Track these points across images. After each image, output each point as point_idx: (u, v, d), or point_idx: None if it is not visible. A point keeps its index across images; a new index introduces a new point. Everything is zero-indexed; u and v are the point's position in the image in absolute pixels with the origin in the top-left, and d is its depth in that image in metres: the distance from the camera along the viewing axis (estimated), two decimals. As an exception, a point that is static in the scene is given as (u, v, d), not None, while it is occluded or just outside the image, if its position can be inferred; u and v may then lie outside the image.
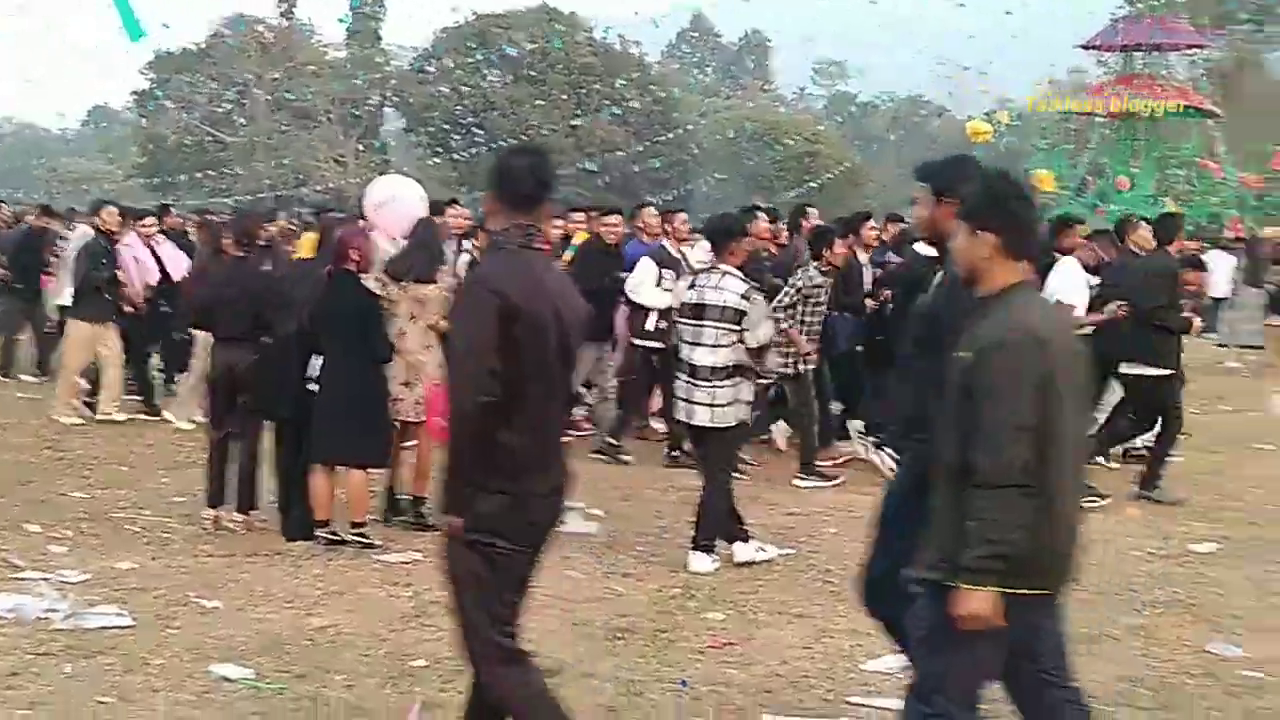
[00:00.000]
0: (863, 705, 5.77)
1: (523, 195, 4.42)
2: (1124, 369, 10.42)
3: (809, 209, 13.03)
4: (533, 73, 56.78)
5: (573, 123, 55.21)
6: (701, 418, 7.91)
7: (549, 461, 4.38)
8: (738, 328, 7.87)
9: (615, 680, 5.93)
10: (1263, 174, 31.13)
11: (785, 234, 12.83)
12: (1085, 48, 34.25)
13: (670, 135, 50.97)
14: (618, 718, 5.55)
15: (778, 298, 10.37)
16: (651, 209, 12.81)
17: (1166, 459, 10.44)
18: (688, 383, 8.00)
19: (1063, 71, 56.04)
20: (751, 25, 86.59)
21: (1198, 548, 8.83)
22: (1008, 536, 3.77)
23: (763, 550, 8.12)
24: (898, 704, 5.67)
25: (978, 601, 3.82)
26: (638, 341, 11.47)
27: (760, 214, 12.44)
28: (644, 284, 11.25)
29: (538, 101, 56.10)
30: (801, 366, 10.53)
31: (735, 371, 7.91)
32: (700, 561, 7.89)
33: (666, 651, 6.37)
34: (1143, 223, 11.49)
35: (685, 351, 8.06)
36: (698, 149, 59.79)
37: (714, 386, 7.86)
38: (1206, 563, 8.47)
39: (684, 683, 5.90)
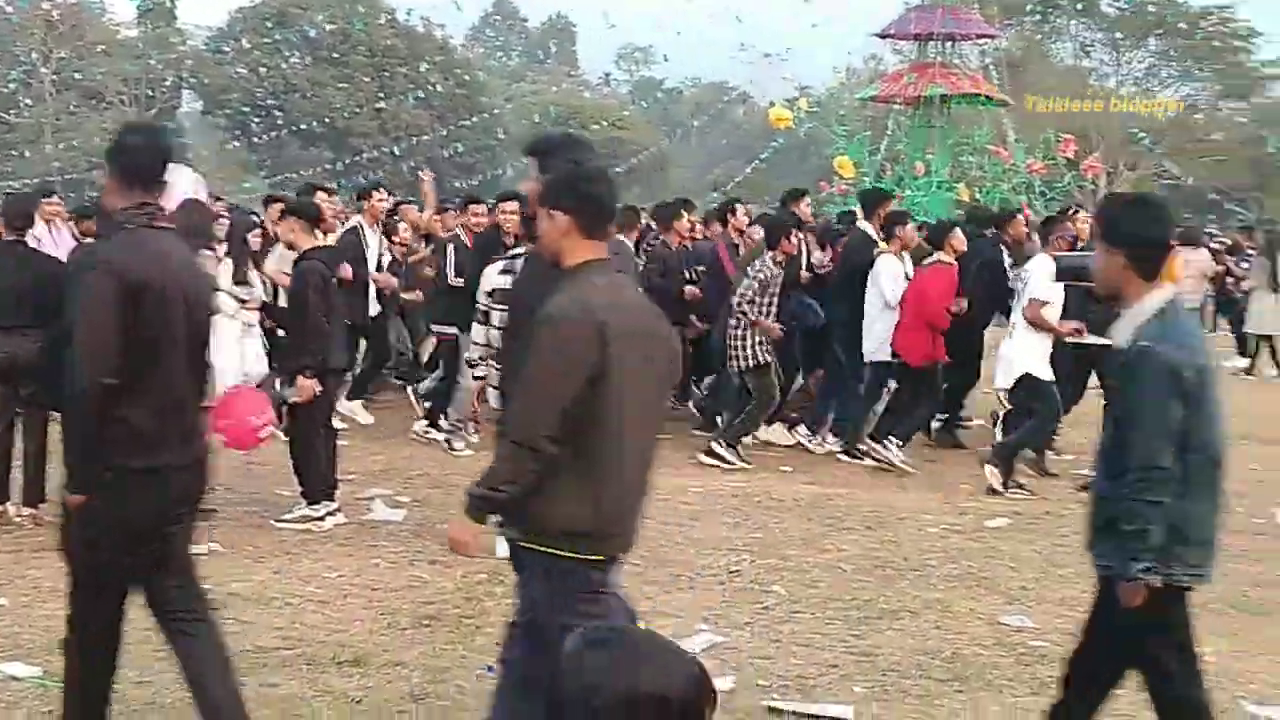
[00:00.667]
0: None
1: (141, 173, 4.45)
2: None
3: (738, 204, 13.14)
4: (334, 55, 55.80)
5: (376, 106, 54.48)
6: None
7: (185, 436, 4.48)
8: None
9: (422, 668, 5.88)
10: (1048, 161, 32.16)
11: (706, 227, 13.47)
12: (880, 36, 34.99)
13: (475, 119, 50.61)
14: (424, 705, 5.50)
15: (740, 290, 10.58)
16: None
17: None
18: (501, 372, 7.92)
19: (860, 60, 57.37)
20: (556, 9, 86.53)
21: (991, 523, 9.13)
22: (504, 487, 4.01)
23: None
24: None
25: (465, 528, 4.13)
26: None
27: (684, 210, 12.66)
28: None
29: (340, 84, 55.22)
30: (766, 357, 10.71)
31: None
32: (506, 547, 7.84)
33: (474, 637, 6.33)
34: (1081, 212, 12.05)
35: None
36: (504, 133, 59.53)
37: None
38: (999, 537, 8.76)
39: (490, 668, 5.86)
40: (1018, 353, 10.09)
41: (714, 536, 8.52)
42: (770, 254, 10.76)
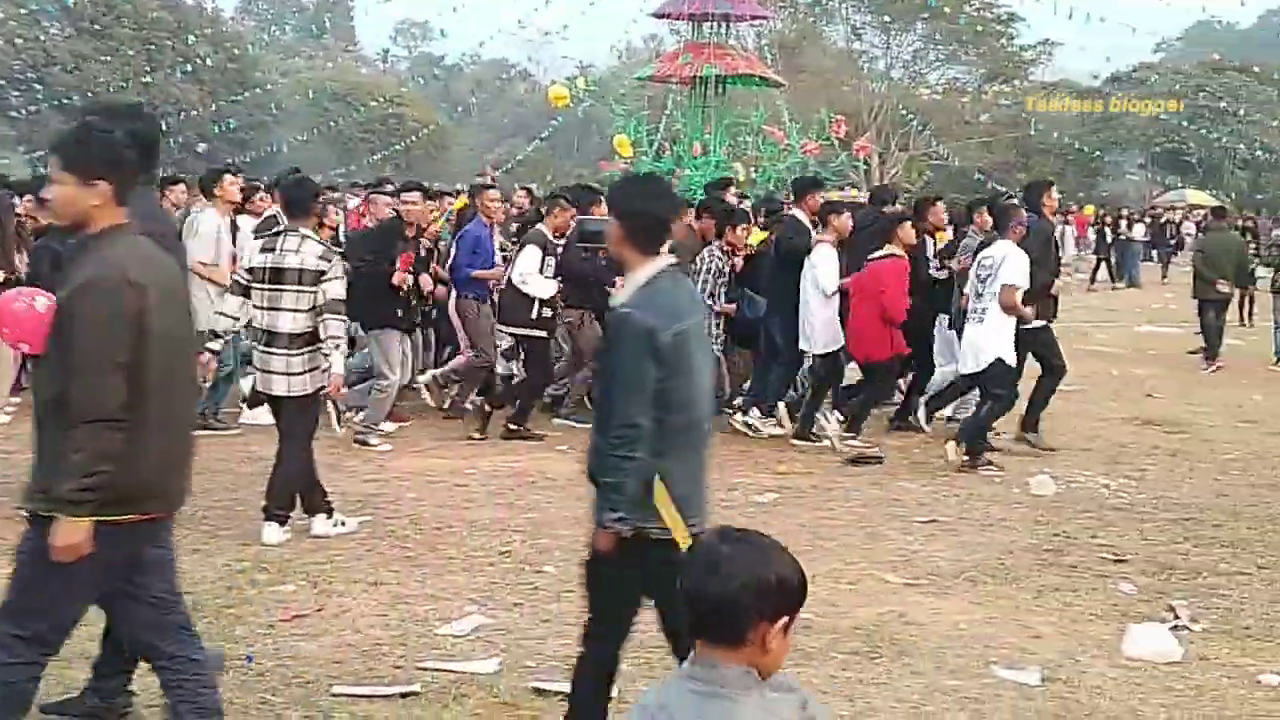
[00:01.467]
0: (435, 669, 5.76)
1: None
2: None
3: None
4: (97, 26, 53.65)
5: (143, 80, 52.55)
6: (279, 387, 7.70)
7: None
8: (314, 289, 7.69)
9: (178, 662, 5.69)
10: (823, 141, 32.82)
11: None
12: (656, 16, 35.20)
13: (246, 95, 49.24)
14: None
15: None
16: (493, 191, 12.48)
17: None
18: (264, 352, 7.76)
19: (639, 39, 57.71)
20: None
21: (760, 498, 9.28)
22: (99, 469, 3.97)
23: (342, 524, 7.98)
24: (473, 666, 5.75)
25: (74, 531, 4.00)
26: (520, 331, 11.21)
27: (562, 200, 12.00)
28: (531, 273, 10.99)
29: (103, 57, 53.03)
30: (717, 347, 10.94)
31: (313, 338, 7.73)
32: (272, 533, 7.69)
33: (234, 627, 6.17)
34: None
35: (262, 319, 7.80)
36: (277, 109, 58.14)
37: (290, 354, 7.66)
38: (767, 511, 8.90)
39: (249, 658, 5.73)
40: (988, 338, 10.31)
41: (487, 518, 8.48)
42: (717, 243, 11.18)
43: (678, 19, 34.93)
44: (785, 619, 2.68)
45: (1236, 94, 59.47)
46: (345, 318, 7.97)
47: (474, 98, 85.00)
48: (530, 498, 9.09)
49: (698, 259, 11.06)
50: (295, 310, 7.68)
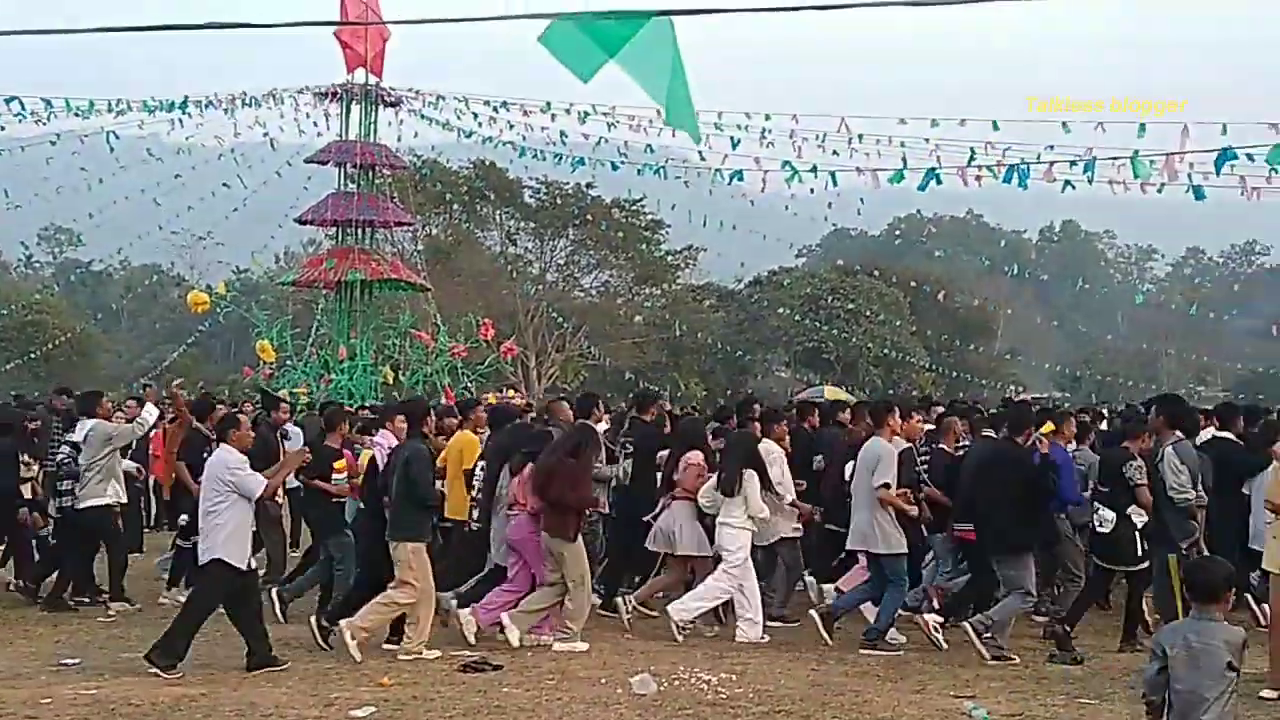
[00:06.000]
0: None
1: None
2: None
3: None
4: None
5: None
6: None
7: None
8: None
9: None
10: (471, 344, 33.27)
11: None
12: (299, 222, 35.23)
13: None
14: None
15: None
16: None
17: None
18: None
19: (289, 242, 57.35)
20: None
21: (357, 713, 8.94)
22: None
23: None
24: None
25: None
26: None
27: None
28: None
29: None
30: None
31: None
32: None
33: None
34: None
35: None
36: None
37: None
38: (361, 727, 8.59)
39: None
40: None
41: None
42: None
43: (321, 224, 35.08)
44: None
45: (868, 295, 63.51)
46: None
47: (125, 302, 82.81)
48: (105, 729, 8.51)
49: None
50: None
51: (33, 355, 49.79)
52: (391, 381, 31.53)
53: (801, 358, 66.27)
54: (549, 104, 28.93)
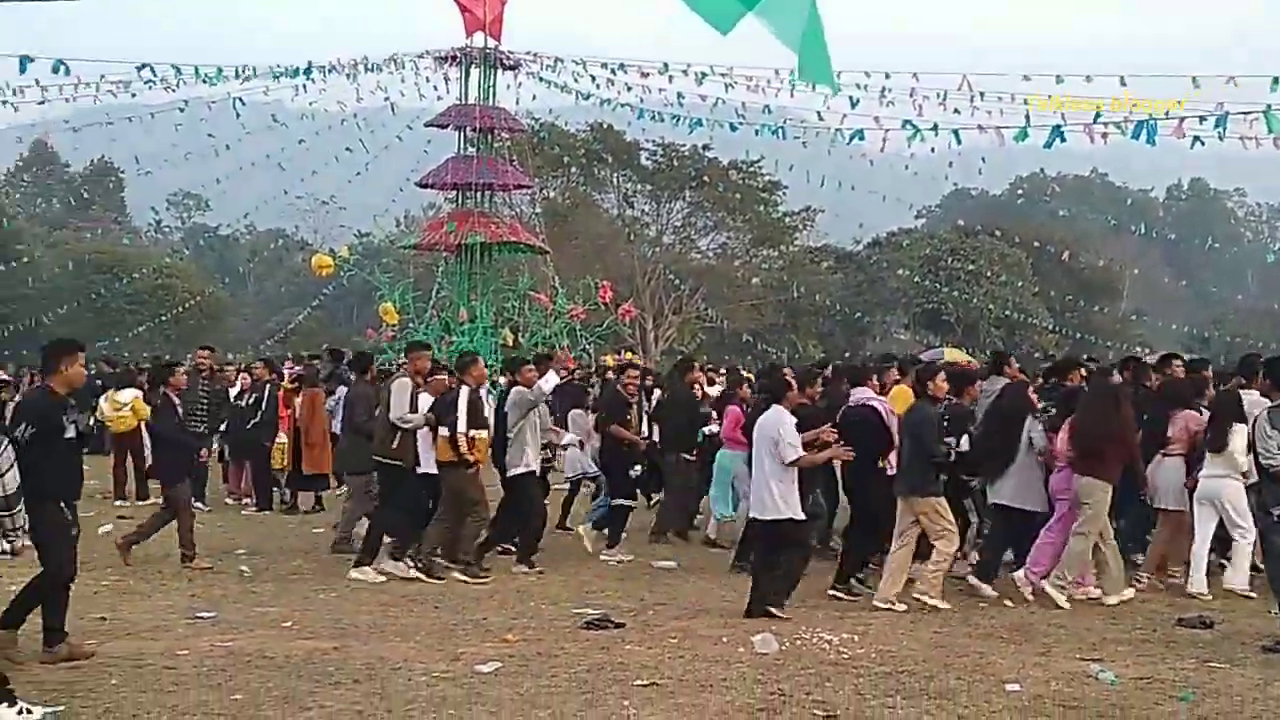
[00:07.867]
0: None
1: None
2: None
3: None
4: None
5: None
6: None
7: None
8: None
9: None
10: (589, 306, 33.38)
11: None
12: (421, 185, 35.57)
13: (4, 267, 47.68)
14: None
15: None
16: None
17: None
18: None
19: (410, 206, 57.96)
20: (100, 154, 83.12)
21: (482, 668, 9.10)
22: None
23: (28, 713, 7.57)
24: None
25: None
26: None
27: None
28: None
29: None
30: None
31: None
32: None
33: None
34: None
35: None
36: (38, 281, 56.66)
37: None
38: (486, 682, 8.72)
39: None
40: None
41: (191, 703, 8.11)
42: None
43: (441, 188, 35.44)
44: None
45: (989, 255, 62.53)
46: None
47: (250, 266, 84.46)
48: (242, 678, 8.74)
49: None
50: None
51: (163, 318, 50.96)
52: (511, 343, 31.78)
53: (921, 320, 65.56)
54: (666, 65, 28.81)
